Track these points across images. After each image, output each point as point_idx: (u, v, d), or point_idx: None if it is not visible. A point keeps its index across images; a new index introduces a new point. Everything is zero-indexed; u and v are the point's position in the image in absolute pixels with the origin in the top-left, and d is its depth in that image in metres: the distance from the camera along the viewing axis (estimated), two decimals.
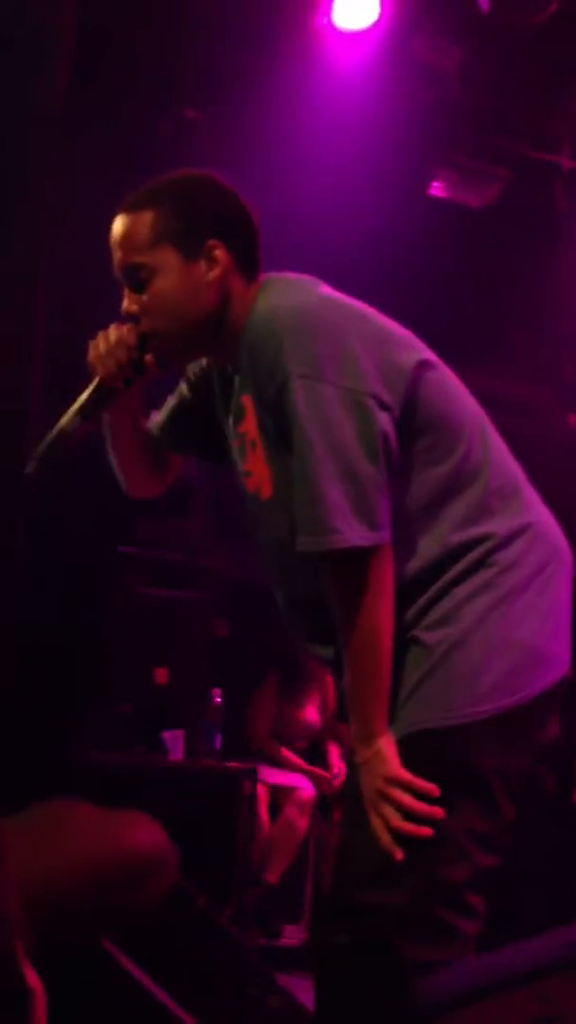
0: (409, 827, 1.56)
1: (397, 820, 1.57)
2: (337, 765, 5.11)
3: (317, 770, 5.09)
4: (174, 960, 1.47)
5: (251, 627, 5.41)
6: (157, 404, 2.02)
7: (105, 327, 1.82)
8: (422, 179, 4.73)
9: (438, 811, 1.56)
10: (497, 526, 1.70)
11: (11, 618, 4.06)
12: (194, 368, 1.95)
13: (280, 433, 1.69)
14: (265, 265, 1.85)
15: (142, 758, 4.41)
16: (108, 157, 4.01)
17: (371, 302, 1.80)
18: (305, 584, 1.77)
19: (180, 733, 4.58)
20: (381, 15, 4.23)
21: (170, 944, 1.54)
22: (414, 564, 1.68)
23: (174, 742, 4.56)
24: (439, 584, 1.68)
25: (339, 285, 1.82)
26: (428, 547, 1.69)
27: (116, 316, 1.82)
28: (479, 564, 1.68)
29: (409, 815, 1.57)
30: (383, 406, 1.65)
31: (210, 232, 1.76)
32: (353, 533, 1.61)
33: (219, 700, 4.81)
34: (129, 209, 1.78)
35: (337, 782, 4.96)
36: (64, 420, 1.79)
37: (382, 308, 1.79)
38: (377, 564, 1.63)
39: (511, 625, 1.67)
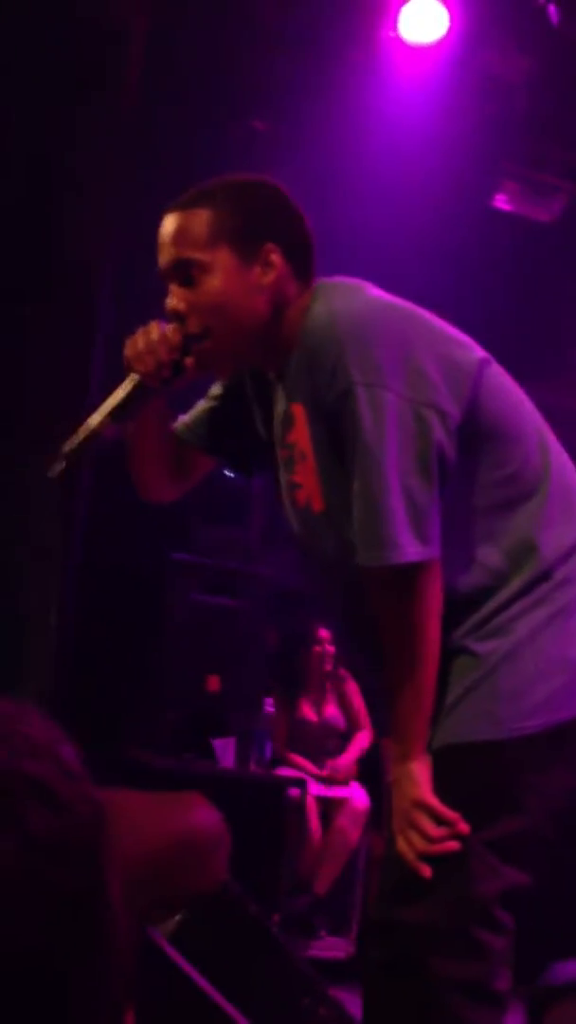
0: (434, 849, 1.55)
1: (422, 844, 1.55)
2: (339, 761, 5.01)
3: (316, 769, 4.94)
4: (226, 964, 1.47)
5: (302, 637, 5.41)
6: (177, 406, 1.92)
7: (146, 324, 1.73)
8: (487, 192, 4.71)
9: (463, 830, 1.54)
10: (556, 539, 1.66)
11: (67, 620, 4.09)
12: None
13: (335, 443, 1.65)
14: (323, 275, 1.78)
15: (192, 763, 4.41)
16: (176, 165, 4.05)
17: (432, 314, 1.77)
18: (348, 597, 1.73)
19: (231, 740, 4.58)
20: (450, 28, 4.23)
21: (222, 949, 1.53)
22: (474, 574, 1.65)
23: (224, 749, 4.56)
24: (497, 595, 1.64)
25: (402, 297, 1.79)
26: (488, 557, 1.65)
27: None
28: (539, 578, 1.65)
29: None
30: (443, 415, 1.61)
31: (268, 236, 1.70)
32: (412, 548, 1.58)
33: (271, 709, 4.81)
34: (184, 207, 1.71)
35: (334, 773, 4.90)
36: (94, 419, 1.70)
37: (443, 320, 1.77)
38: (428, 580, 1.60)
39: (564, 642, 1.64)
